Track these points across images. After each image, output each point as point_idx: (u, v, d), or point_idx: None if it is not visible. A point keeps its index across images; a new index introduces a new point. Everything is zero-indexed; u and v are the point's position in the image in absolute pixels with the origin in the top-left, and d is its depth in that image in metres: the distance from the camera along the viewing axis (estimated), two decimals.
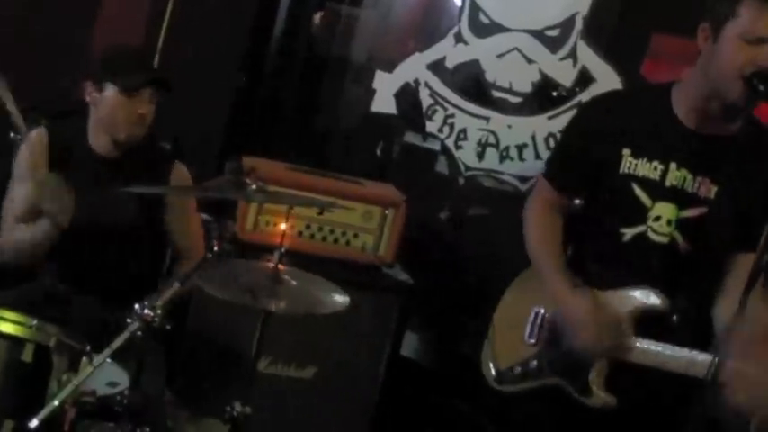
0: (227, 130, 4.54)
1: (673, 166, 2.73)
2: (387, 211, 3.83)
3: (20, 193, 3.09)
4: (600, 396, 2.79)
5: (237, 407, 2.87)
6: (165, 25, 4.22)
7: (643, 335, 2.76)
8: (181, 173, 3.32)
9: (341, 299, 2.86)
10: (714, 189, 2.71)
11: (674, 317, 2.76)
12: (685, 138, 2.71)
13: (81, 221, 3.00)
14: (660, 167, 2.73)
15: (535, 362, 2.94)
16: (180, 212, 3.29)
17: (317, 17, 4.61)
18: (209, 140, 4.44)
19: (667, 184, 2.73)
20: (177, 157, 3.38)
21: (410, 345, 4.21)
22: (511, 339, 3.01)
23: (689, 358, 2.66)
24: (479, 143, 4.36)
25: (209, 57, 4.25)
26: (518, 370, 2.97)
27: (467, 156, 4.39)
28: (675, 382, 2.70)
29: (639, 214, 2.75)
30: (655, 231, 2.75)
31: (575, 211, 2.97)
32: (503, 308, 3.10)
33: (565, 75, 4.21)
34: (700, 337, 2.76)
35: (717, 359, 2.47)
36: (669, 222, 2.73)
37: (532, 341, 2.95)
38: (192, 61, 4.23)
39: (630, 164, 2.75)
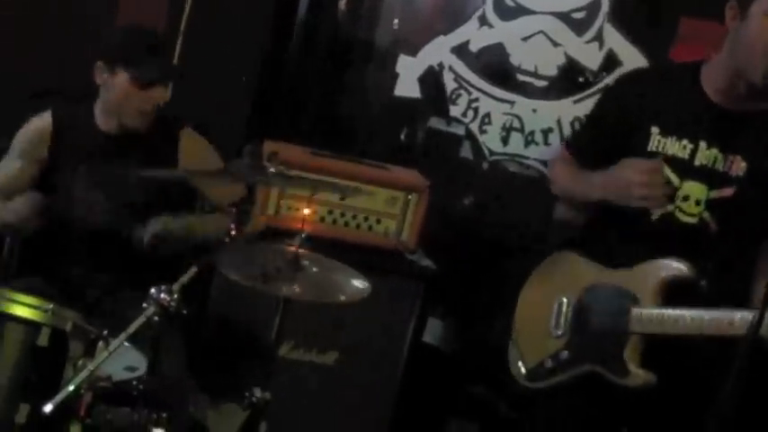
0: (252, 115, 4.52)
1: (702, 145, 2.71)
2: (410, 197, 3.80)
3: (7, 166, 3.13)
4: (639, 374, 2.73)
5: (258, 392, 2.86)
6: (187, 8, 4.20)
7: (674, 305, 2.71)
8: (189, 137, 3.26)
9: (361, 286, 2.84)
10: (744, 166, 2.68)
11: (703, 282, 2.70)
12: (715, 116, 2.69)
13: (92, 204, 3.00)
14: (689, 146, 2.72)
15: (566, 352, 2.89)
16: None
17: (342, 3, 4.58)
18: (233, 127, 4.42)
19: (696, 163, 2.72)
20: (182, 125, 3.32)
21: (432, 331, 4.19)
22: (536, 335, 2.97)
23: (727, 318, 2.58)
24: (504, 127, 4.32)
25: (233, 41, 4.23)
26: (549, 363, 2.92)
27: (491, 140, 4.35)
28: (712, 351, 2.66)
29: (668, 194, 2.71)
30: (683, 211, 2.73)
31: None
32: (523, 306, 3.06)
33: (591, 58, 4.15)
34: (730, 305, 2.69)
35: (757, 314, 2.34)
36: (698, 202, 2.72)
37: (559, 332, 2.90)
38: (215, 45, 4.22)
39: (659, 142, 2.74)
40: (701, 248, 2.73)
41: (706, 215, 2.72)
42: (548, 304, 2.94)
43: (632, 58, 4.05)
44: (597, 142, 2.90)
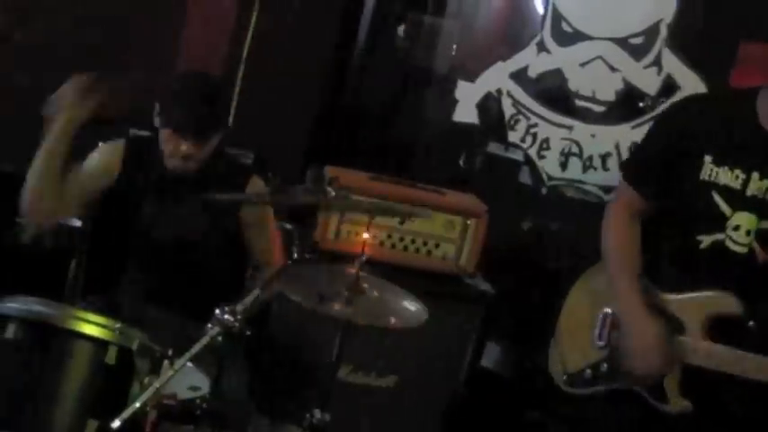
0: (311, 140, 4.58)
1: (755, 175, 2.71)
2: (468, 221, 3.82)
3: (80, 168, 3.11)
4: (677, 402, 2.76)
5: (317, 414, 2.87)
6: (249, 36, 4.28)
7: (719, 340, 2.72)
8: (256, 185, 3.27)
9: (419, 311, 2.85)
10: None
11: (752, 323, 2.71)
12: None
13: (156, 236, 3.05)
14: (742, 176, 2.71)
15: (606, 365, 2.91)
16: (257, 226, 3.26)
17: (401, 29, 4.63)
18: (293, 151, 4.48)
19: (748, 193, 2.71)
20: (258, 169, 3.37)
21: (491, 356, 4.19)
22: (579, 341, 2.99)
23: None
24: (562, 153, 4.33)
25: (293, 67, 4.30)
26: (588, 373, 2.95)
27: (550, 165, 4.36)
28: (749, 389, 2.68)
29: (718, 222, 2.73)
30: (733, 241, 2.73)
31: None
32: (569, 308, 3.08)
33: (649, 83, 4.16)
34: None
35: None
36: (748, 233, 2.72)
37: (602, 343, 2.92)
38: (276, 72, 4.28)
39: (712, 171, 2.73)
40: (749, 279, 2.73)
41: (755, 245, 2.72)
42: (592, 313, 2.96)
43: (691, 83, 4.05)
44: (650, 168, 2.88)
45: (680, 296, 2.79)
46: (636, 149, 3.12)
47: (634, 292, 2.81)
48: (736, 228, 2.72)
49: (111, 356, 2.42)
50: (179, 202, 3.13)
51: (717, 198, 2.73)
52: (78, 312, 2.50)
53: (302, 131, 4.53)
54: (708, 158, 2.74)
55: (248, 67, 4.27)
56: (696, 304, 2.77)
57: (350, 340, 2.89)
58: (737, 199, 2.72)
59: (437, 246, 3.83)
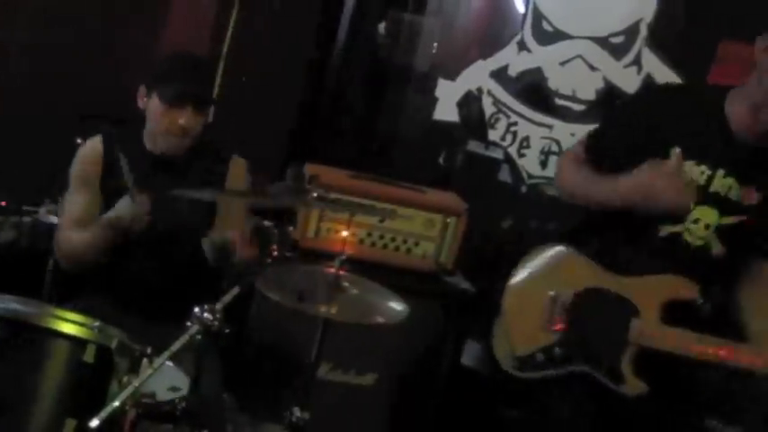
0: (291, 138, 4.57)
1: (720, 172, 2.76)
2: (448, 220, 3.82)
3: (73, 201, 3.13)
4: (634, 384, 2.79)
5: (297, 412, 2.88)
6: (229, 34, 4.27)
7: (673, 324, 2.77)
8: (238, 164, 3.27)
9: (400, 308, 2.86)
10: (757, 197, 2.75)
11: (707, 306, 2.78)
12: (735, 146, 2.73)
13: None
14: (707, 173, 2.76)
15: (558, 349, 2.92)
16: (227, 213, 3.23)
17: (382, 27, 4.63)
18: (273, 149, 4.48)
19: (712, 189, 2.76)
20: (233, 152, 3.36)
21: (471, 354, 4.19)
22: (528, 325, 2.98)
23: (729, 350, 2.69)
24: (542, 151, 4.34)
25: (273, 65, 4.29)
26: (540, 357, 2.95)
27: (530, 164, 4.37)
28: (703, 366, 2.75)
29: (679, 215, 2.78)
30: (690, 233, 2.79)
31: None
32: (514, 292, 3.06)
33: (629, 82, 4.17)
34: (730, 330, 2.79)
35: None
36: (707, 227, 2.78)
37: (553, 327, 2.93)
38: (255, 70, 4.27)
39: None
40: (701, 271, 2.79)
41: (713, 239, 2.78)
42: (540, 296, 2.97)
43: (670, 82, 4.05)
44: (617, 148, 2.90)
45: (635, 279, 2.82)
46: (600, 130, 3.05)
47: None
48: (696, 221, 2.78)
49: (89, 355, 2.40)
50: (161, 187, 3.11)
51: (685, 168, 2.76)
52: (56, 311, 2.48)
53: (282, 129, 4.52)
54: (676, 151, 2.75)
55: (228, 65, 4.25)
56: (652, 288, 2.80)
57: (329, 338, 2.90)
58: (701, 194, 2.76)
59: (417, 244, 3.83)
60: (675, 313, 2.78)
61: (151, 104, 3.09)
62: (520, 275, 3.08)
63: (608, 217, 2.91)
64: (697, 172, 2.75)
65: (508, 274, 4.22)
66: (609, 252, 2.90)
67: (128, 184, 2.93)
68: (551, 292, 2.96)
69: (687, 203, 2.75)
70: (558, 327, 2.93)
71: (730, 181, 2.74)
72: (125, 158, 2.91)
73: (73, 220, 3.11)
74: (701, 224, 2.78)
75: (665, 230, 2.81)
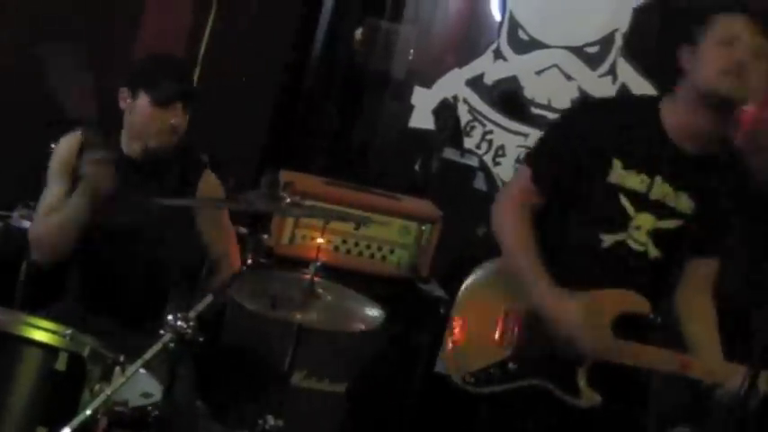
0: (266, 143, 4.56)
1: (658, 179, 2.82)
2: (423, 227, 3.83)
3: (50, 191, 3.12)
4: (589, 396, 2.80)
5: (270, 420, 2.88)
6: (205, 38, 4.25)
7: (625, 337, 2.80)
8: (210, 182, 3.29)
9: (375, 315, 2.86)
10: (692, 204, 2.84)
11: (658, 317, 2.84)
12: (671, 154, 2.81)
13: (111, 226, 3.03)
14: (647, 180, 2.82)
15: (513, 364, 2.91)
16: (212, 223, 3.27)
17: (359, 33, 4.62)
18: (247, 154, 4.46)
19: (652, 197, 2.83)
20: (213, 168, 3.38)
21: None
22: (480, 340, 2.96)
23: (684, 361, 2.78)
24: (518, 160, 4.34)
25: (249, 70, 4.28)
26: (494, 371, 2.93)
27: (505, 172, 4.38)
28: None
29: (622, 223, 2.84)
30: (634, 240, 2.85)
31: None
32: (465, 306, 3.04)
33: (604, 92, 4.19)
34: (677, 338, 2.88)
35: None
36: (647, 233, 2.84)
37: (507, 342, 2.92)
38: (231, 74, 4.26)
39: (620, 175, 2.83)
40: (646, 277, 2.86)
41: (649, 243, 2.84)
42: (493, 312, 2.95)
43: (645, 92, 4.07)
44: (556, 165, 2.90)
45: (584, 295, 2.81)
46: (541, 145, 3.07)
47: (546, 279, 2.82)
48: (638, 227, 2.84)
49: (61, 363, 2.39)
50: (135, 189, 3.11)
51: (623, 200, 2.82)
52: (28, 318, 2.47)
53: (258, 134, 4.51)
54: (618, 163, 2.82)
55: (204, 69, 4.23)
56: (603, 302, 2.81)
57: (303, 346, 2.89)
58: (641, 201, 2.83)
59: (392, 251, 3.84)
60: (628, 326, 2.80)
61: (138, 105, 3.10)
62: (469, 290, 3.05)
63: (552, 232, 2.93)
64: (637, 180, 2.81)
65: None
66: (555, 267, 2.88)
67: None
68: (503, 307, 2.94)
69: (597, 350, 2.79)
70: (511, 342, 2.91)
71: (666, 187, 2.82)
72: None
73: (48, 209, 3.09)
74: (643, 230, 2.84)
75: (608, 241, 2.85)
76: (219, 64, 4.25)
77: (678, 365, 2.78)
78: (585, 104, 3.26)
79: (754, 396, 2.45)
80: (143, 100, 3.08)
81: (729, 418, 2.44)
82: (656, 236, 2.84)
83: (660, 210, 2.83)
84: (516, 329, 2.92)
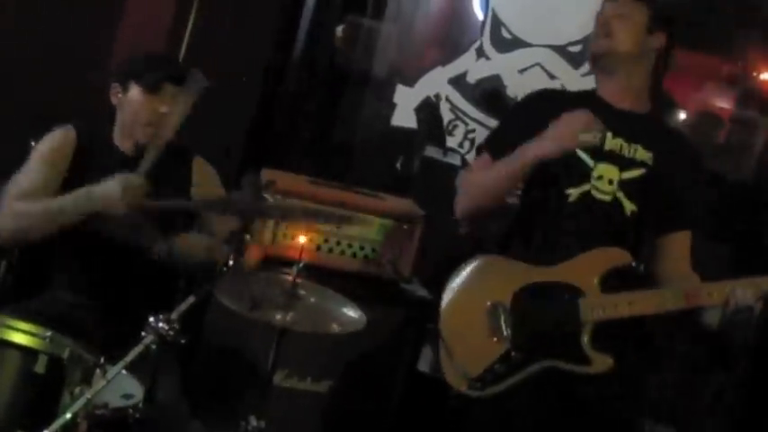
0: (248, 141, 4.53)
1: (609, 135, 3.00)
2: (405, 226, 3.82)
3: (29, 174, 3.08)
4: (600, 359, 2.86)
5: (253, 421, 2.86)
6: (186, 36, 4.23)
7: (616, 292, 2.90)
8: (202, 167, 3.32)
9: (357, 316, 2.85)
10: (648, 154, 3.01)
11: (641, 267, 3.02)
12: (615, 114, 3.02)
13: (101, 225, 3.01)
14: (598, 135, 2.95)
15: (515, 353, 2.94)
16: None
17: (340, 30, 4.61)
18: (229, 152, 4.43)
19: (606, 148, 2.99)
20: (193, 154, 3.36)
21: (427, 360, 4.18)
22: (474, 344, 3.00)
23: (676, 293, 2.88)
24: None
25: (231, 69, 4.25)
26: (499, 368, 2.95)
27: None
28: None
29: (583, 174, 2.99)
30: (598, 190, 2.98)
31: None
32: (449, 317, 3.07)
33: None
34: None
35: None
36: (611, 182, 2.98)
37: (500, 336, 2.95)
38: (213, 73, 4.23)
39: None
40: (615, 227, 2.98)
41: (620, 195, 2.97)
42: (478, 311, 2.99)
43: None
44: (517, 139, 3.01)
45: (566, 264, 2.94)
46: (496, 128, 3.32)
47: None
48: (600, 177, 2.98)
49: (40, 365, 2.37)
50: None
51: (580, 153, 2.97)
52: (7, 320, 2.44)
53: (239, 133, 4.48)
54: None
55: (185, 67, 4.20)
56: (585, 266, 2.93)
57: (285, 345, 2.88)
58: (597, 152, 2.98)
59: (374, 250, 3.82)
60: (614, 282, 2.91)
61: (130, 97, 3.13)
62: (450, 297, 3.09)
63: (523, 204, 3.12)
64: (589, 136, 2.92)
65: None
66: (531, 248, 3.02)
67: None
68: (488, 303, 2.98)
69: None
70: (504, 334, 2.94)
71: (620, 141, 3.00)
72: None
73: (22, 191, 3.04)
74: (605, 180, 2.97)
75: (574, 193, 2.98)
76: (200, 64, 4.21)
77: (684, 298, 2.85)
78: (534, 92, 3.38)
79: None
80: (134, 90, 3.11)
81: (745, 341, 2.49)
82: (626, 187, 2.97)
83: (619, 160, 2.98)
84: (506, 318, 2.95)
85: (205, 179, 3.32)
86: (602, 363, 2.87)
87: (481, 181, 3.10)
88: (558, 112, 2.97)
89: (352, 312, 2.89)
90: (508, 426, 3.02)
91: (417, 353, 3.89)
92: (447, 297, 3.09)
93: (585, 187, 2.98)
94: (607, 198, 2.97)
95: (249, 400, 3.09)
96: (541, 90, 3.39)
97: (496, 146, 3.11)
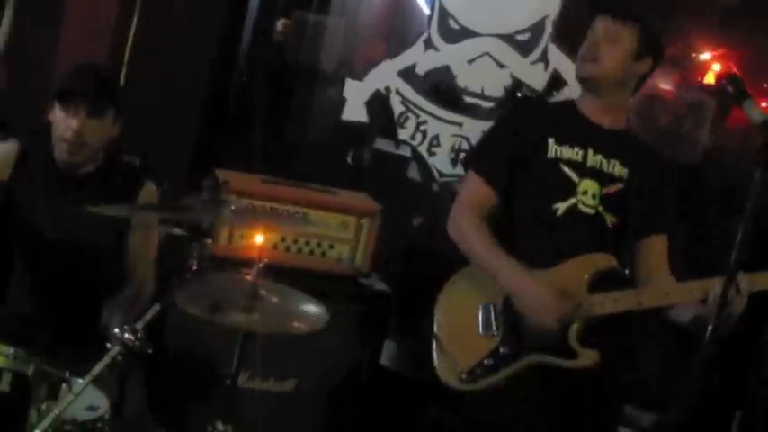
0: (197, 142, 4.49)
1: (590, 151, 3.13)
2: (362, 221, 3.81)
3: None
4: (587, 354, 2.96)
5: (219, 426, 2.83)
6: (130, 39, 4.17)
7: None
8: (150, 192, 3.25)
9: (318, 313, 2.84)
10: (624, 170, 3.12)
11: (627, 271, 3.13)
12: (594, 130, 3.14)
13: (46, 238, 2.95)
14: (581, 152, 3.12)
15: (504, 348, 3.04)
16: (142, 233, 3.21)
17: (280, 24, 4.58)
18: (178, 154, 4.39)
19: (588, 164, 3.12)
20: (147, 172, 3.32)
21: (389, 354, 4.18)
22: (464, 340, 3.10)
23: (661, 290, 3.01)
24: (453, 149, 4.36)
25: (177, 70, 4.21)
26: (489, 362, 3.05)
27: (441, 162, 4.39)
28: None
29: (569, 189, 3.10)
30: (584, 204, 3.09)
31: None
32: (444, 314, 3.18)
33: (537, 78, 4.23)
34: None
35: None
36: (594, 196, 3.10)
37: (490, 333, 3.07)
38: (158, 75, 4.19)
39: (556, 150, 3.12)
40: (600, 238, 3.09)
41: (602, 209, 3.09)
42: (471, 311, 3.11)
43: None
44: (507, 160, 3.14)
45: (554, 269, 3.03)
46: (482, 145, 3.42)
47: (511, 262, 3.04)
48: (584, 192, 3.09)
49: (5, 383, 2.32)
50: (71, 202, 3.03)
51: (565, 169, 3.10)
52: None
53: (188, 134, 4.44)
54: (551, 140, 3.13)
55: (131, 70, 4.15)
56: (574, 269, 3.03)
57: (246, 345, 2.85)
58: (581, 168, 3.11)
59: (331, 247, 3.81)
60: (601, 284, 3.02)
61: (54, 114, 3.05)
62: (445, 297, 3.21)
63: (510, 216, 3.16)
64: (572, 153, 3.10)
65: (419, 271, 4.28)
66: (520, 247, 3.08)
67: None
68: (480, 302, 3.10)
69: (559, 322, 2.97)
70: (495, 331, 3.06)
71: (599, 157, 3.12)
72: None
73: None
74: (589, 194, 3.09)
75: (562, 208, 3.08)
76: (146, 65, 4.18)
77: (663, 295, 2.98)
78: (516, 105, 3.57)
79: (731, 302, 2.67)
80: (56, 109, 3.04)
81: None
82: (606, 202, 3.09)
83: (600, 176, 3.11)
84: (497, 316, 3.07)
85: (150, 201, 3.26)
86: (587, 357, 2.96)
87: (466, 245, 3.16)
88: (541, 124, 3.16)
89: (313, 309, 2.87)
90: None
91: (379, 347, 3.88)
92: (442, 297, 3.20)
93: (572, 201, 3.09)
94: (591, 211, 3.09)
95: (214, 404, 3.05)
96: (522, 102, 3.58)
97: (483, 165, 3.21)
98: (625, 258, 3.14)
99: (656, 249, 3.18)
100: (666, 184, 3.21)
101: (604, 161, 3.12)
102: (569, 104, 3.25)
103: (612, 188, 3.10)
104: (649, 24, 3.12)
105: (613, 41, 3.06)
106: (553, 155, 3.11)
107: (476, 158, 3.37)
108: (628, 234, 3.13)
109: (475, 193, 3.20)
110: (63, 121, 3.00)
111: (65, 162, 3.06)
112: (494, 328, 3.06)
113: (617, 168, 3.12)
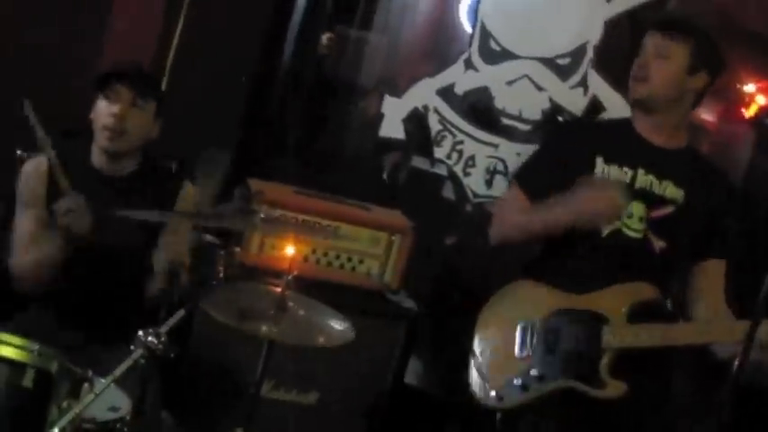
0: (235, 152, 4.51)
1: (641, 171, 3.05)
2: (393, 237, 3.81)
3: (22, 220, 3.09)
4: (614, 385, 2.91)
5: None
6: (173, 46, 4.21)
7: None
8: (189, 193, 3.26)
9: (344, 329, 2.84)
10: (679, 191, 3.04)
11: (668, 302, 3.09)
12: (647, 149, 3.07)
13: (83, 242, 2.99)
14: (630, 172, 3.05)
15: (535, 370, 3.00)
16: (174, 233, 3.20)
17: (324, 38, 4.59)
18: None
19: (637, 186, 3.05)
20: (186, 174, 3.34)
21: (414, 372, 4.17)
22: (500, 358, 3.07)
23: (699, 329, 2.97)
24: (488, 170, 4.35)
25: (218, 80, 4.23)
26: (518, 381, 3.01)
27: (475, 183, 4.38)
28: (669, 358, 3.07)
29: None
30: (629, 227, 3.02)
31: None
32: (483, 333, 3.14)
33: (575, 103, 4.22)
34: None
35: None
36: (641, 219, 3.02)
37: (524, 354, 3.02)
38: (200, 83, 4.22)
39: (604, 169, 3.06)
40: (645, 263, 3.02)
41: (649, 233, 3.02)
42: (509, 329, 3.07)
43: (616, 104, 4.11)
44: (551, 177, 3.08)
45: (596, 293, 3.00)
46: (531, 160, 3.32)
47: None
48: (630, 216, 3.02)
49: (28, 379, 2.34)
50: (106, 206, 3.06)
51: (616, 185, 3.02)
52: None
53: (226, 142, 4.47)
54: (599, 159, 3.06)
55: (172, 77, 4.19)
56: (614, 297, 2.98)
57: (271, 356, 2.86)
58: (629, 191, 3.01)
59: (361, 261, 3.81)
60: (642, 316, 2.95)
61: (96, 107, 3.08)
62: (486, 315, 3.17)
63: (554, 242, 3.12)
64: (621, 173, 3.03)
65: (449, 290, 4.27)
66: (565, 275, 3.06)
67: (59, 180, 2.93)
68: (519, 323, 3.06)
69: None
70: (529, 352, 3.02)
71: (650, 178, 3.04)
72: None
73: (27, 240, 3.05)
74: (635, 218, 3.02)
75: (606, 230, 3.02)
76: (188, 72, 4.21)
77: (697, 334, 2.93)
78: (566, 122, 3.51)
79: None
80: (98, 99, 3.07)
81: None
82: (654, 225, 3.02)
83: (650, 197, 3.02)
84: (533, 338, 3.02)
85: (187, 203, 3.26)
86: (615, 388, 2.91)
87: (516, 222, 3.15)
88: (591, 142, 3.09)
89: (339, 326, 2.87)
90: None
91: (405, 365, 3.87)
92: (483, 315, 3.17)
93: (617, 225, 3.02)
94: (638, 235, 3.02)
95: (236, 412, 3.06)
96: (575, 120, 3.53)
97: (530, 183, 3.16)
98: (673, 284, 3.10)
99: (710, 275, 3.09)
100: (730, 206, 3.11)
101: (655, 182, 3.04)
102: (624, 123, 3.17)
103: (662, 211, 3.03)
104: (703, 37, 3.03)
105: (664, 58, 2.99)
106: (601, 173, 3.05)
107: (522, 171, 3.32)
108: (678, 258, 3.07)
109: (515, 203, 3.17)
110: (105, 109, 3.03)
111: (108, 149, 3.07)
112: (528, 349, 3.02)
113: (669, 189, 3.04)
